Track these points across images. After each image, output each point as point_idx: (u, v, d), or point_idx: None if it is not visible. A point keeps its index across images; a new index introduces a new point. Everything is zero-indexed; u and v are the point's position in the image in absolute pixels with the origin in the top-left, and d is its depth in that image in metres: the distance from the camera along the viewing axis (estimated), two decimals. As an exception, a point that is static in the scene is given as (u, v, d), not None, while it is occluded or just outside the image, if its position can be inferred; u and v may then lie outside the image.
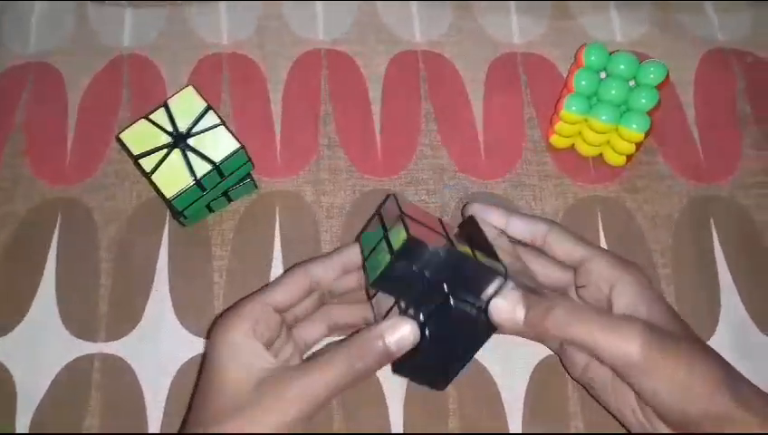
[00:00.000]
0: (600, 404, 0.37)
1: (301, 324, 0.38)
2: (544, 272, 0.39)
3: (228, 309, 0.36)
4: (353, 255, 0.38)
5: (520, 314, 0.34)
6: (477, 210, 0.39)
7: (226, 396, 0.32)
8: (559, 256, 0.38)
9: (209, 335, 0.36)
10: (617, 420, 0.36)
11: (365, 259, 0.35)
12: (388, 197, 0.36)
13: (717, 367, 0.33)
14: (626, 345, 0.32)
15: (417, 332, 0.33)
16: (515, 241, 0.40)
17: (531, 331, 0.35)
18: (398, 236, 0.32)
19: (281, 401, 0.32)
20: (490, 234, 0.37)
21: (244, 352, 0.33)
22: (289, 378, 0.32)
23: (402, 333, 0.33)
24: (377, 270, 0.33)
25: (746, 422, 0.31)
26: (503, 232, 0.39)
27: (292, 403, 0.32)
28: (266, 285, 0.37)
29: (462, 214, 0.41)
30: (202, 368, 0.35)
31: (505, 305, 0.34)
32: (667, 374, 0.32)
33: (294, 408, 0.32)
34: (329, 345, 0.39)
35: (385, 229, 0.34)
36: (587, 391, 0.38)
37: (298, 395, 0.32)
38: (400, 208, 0.34)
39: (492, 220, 0.39)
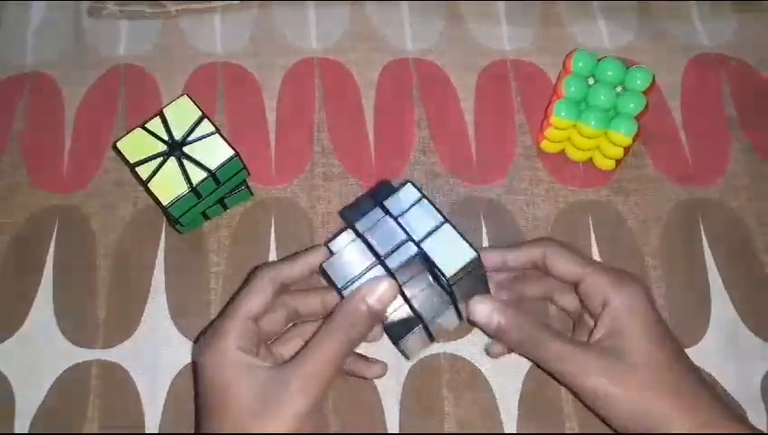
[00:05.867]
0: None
1: (277, 343, 0.39)
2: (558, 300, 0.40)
3: (213, 326, 0.36)
4: (316, 256, 0.38)
5: (495, 319, 0.35)
6: None
7: (236, 410, 0.33)
8: (560, 274, 0.38)
9: (196, 357, 0.36)
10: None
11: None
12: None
13: (673, 396, 0.33)
14: (573, 372, 0.34)
15: (395, 286, 0.34)
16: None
17: (502, 341, 0.36)
18: None
19: (289, 393, 0.33)
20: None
21: (241, 365, 0.34)
22: (288, 373, 0.33)
23: (381, 289, 0.34)
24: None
25: None
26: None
27: (300, 392, 0.33)
28: (234, 297, 0.37)
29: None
30: (199, 392, 0.35)
31: (485, 309, 0.35)
32: (615, 400, 0.34)
33: (304, 395, 0.33)
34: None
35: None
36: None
37: (301, 385, 0.33)
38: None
39: (488, 265, 0.38)
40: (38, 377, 0.41)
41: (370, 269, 0.36)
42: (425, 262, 0.35)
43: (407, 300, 0.37)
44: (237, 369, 0.34)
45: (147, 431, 0.40)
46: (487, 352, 0.41)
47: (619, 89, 0.45)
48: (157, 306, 0.43)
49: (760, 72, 0.51)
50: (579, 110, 0.45)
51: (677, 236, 0.45)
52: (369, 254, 0.35)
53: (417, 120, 0.49)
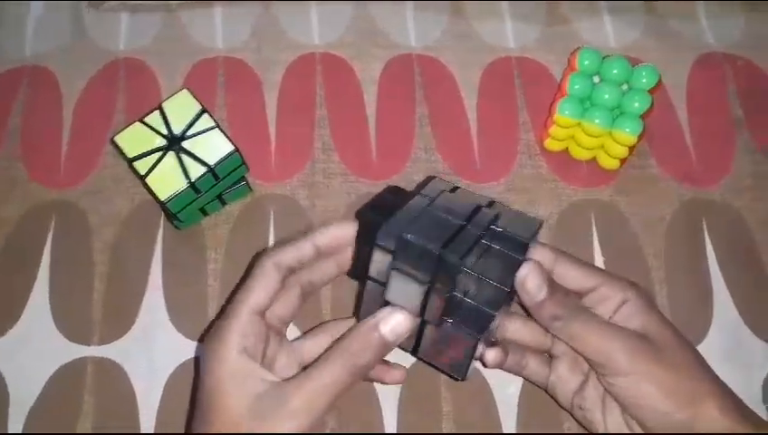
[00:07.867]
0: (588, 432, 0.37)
1: (302, 338, 0.38)
2: None
3: (215, 325, 0.34)
4: (325, 236, 0.35)
5: (543, 292, 0.34)
6: None
7: (226, 421, 0.31)
8: (569, 282, 0.37)
9: (199, 356, 0.35)
10: None
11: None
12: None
13: (705, 375, 0.34)
14: (614, 349, 0.33)
15: (412, 318, 0.33)
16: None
17: (539, 315, 0.35)
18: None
19: (282, 415, 0.31)
20: None
21: (239, 374, 0.32)
22: (287, 391, 0.31)
23: (396, 320, 0.33)
24: None
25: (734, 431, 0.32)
26: None
27: (293, 416, 0.31)
28: (239, 289, 0.34)
29: None
30: (197, 392, 0.33)
31: (535, 280, 0.34)
32: (655, 378, 0.33)
33: (297, 420, 0.31)
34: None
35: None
36: (576, 420, 0.38)
37: (298, 406, 0.31)
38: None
39: None
40: (33, 373, 0.41)
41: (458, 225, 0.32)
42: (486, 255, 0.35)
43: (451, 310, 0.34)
44: (235, 379, 0.32)
45: (142, 428, 0.40)
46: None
47: (624, 87, 0.44)
48: (154, 303, 0.43)
49: (766, 71, 0.50)
50: (583, 108, 0.44)
51: (681, 237, 0.45)
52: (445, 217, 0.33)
53: (419, 118, 0.48)
